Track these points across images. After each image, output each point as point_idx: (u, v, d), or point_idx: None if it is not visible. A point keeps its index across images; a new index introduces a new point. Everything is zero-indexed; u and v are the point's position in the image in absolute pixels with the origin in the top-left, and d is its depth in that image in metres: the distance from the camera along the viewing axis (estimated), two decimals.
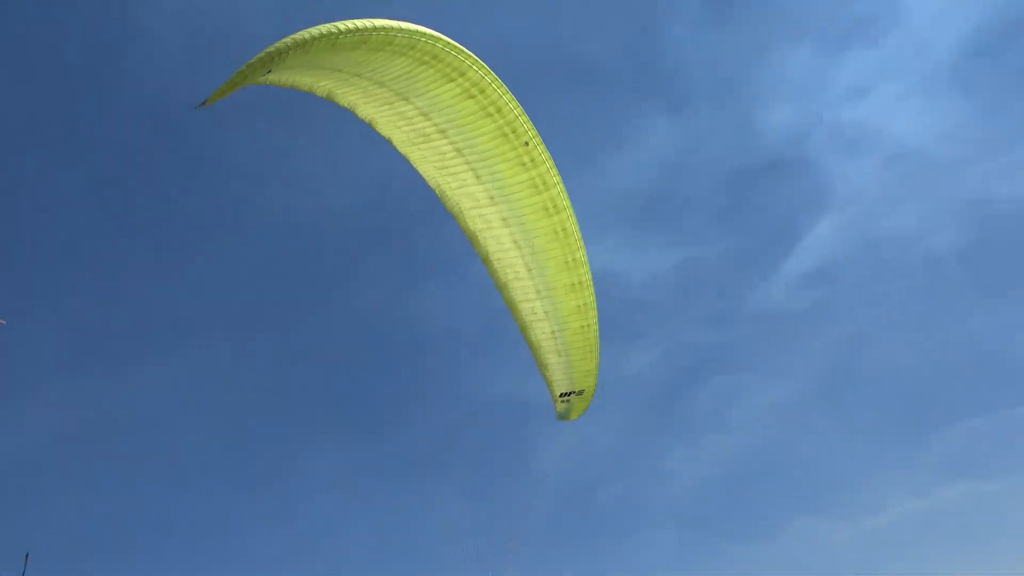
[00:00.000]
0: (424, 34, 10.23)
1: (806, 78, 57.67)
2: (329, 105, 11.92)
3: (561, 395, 14.87)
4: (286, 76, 10.36)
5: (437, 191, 13.39)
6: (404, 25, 9.93)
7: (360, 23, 9.27)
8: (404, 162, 13.25)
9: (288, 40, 8.52)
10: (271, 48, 8.34)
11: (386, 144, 12.92)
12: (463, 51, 11.11)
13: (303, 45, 8.57)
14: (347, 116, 12.31)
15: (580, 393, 14.73)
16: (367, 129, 12.52)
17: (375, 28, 9.49)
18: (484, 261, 14.19)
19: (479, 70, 11.45)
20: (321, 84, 11.28)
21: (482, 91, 11.74)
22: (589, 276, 13.90)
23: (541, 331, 14.53)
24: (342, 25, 9.04)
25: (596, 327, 14.19)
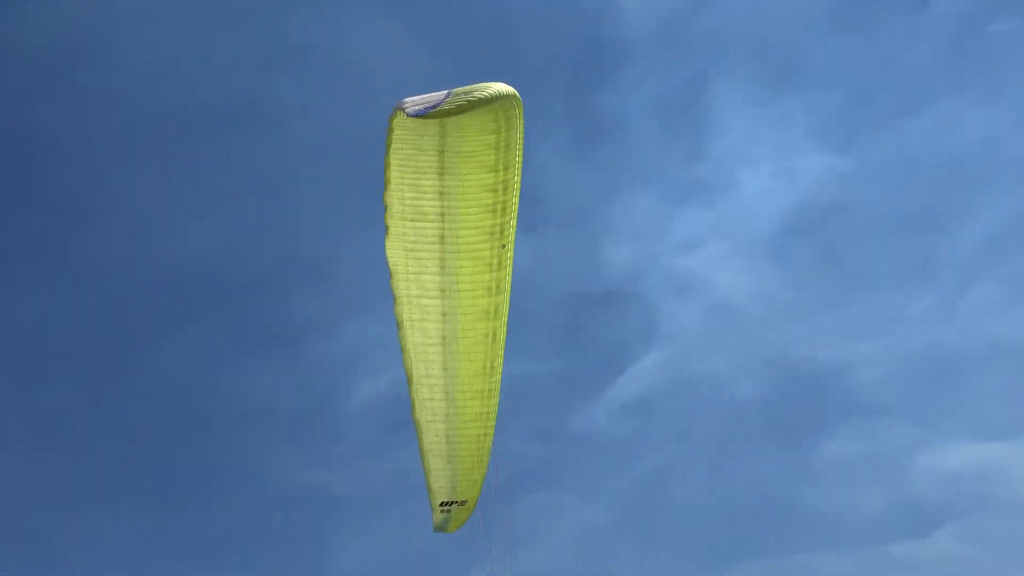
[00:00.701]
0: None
1: (649, 223, 63.50)
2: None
3: (442, 504, 13.95)
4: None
5: (391, 267, 12.18)
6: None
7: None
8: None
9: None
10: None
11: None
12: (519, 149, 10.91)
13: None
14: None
15: (463, 503, 14.02)
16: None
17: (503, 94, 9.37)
18: (402, 349, 13.04)
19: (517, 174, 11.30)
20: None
21: (506, 188, 11.47)
22: (499, 385, 13.71)
23: (435, 433, 13.62)
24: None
25: (491, 437, 13.88)
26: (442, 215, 11.68)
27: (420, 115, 8.57)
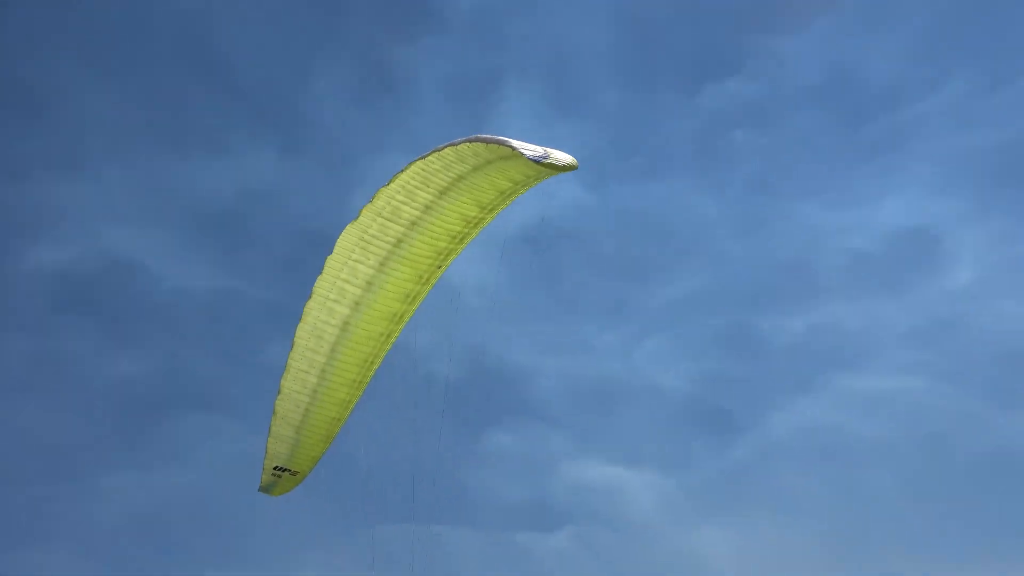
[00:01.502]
0: None
1: None
2: None
3: (275, 468, 13.78)
4: None
5: (336, 247, 12.28)
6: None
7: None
8: None
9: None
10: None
11: None
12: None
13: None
14: None
15: (294, 474, 13.94)
16: None
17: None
18: (301, 317, 12.98)
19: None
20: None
21: (477, 225, 12.24)
22: (369, 379, 14.13)
23: (295, 403, 13.50)
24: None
25: (343, 423, 14.15)
26: (413, 224, 12.06)
27: (537, 161, 8.89)
